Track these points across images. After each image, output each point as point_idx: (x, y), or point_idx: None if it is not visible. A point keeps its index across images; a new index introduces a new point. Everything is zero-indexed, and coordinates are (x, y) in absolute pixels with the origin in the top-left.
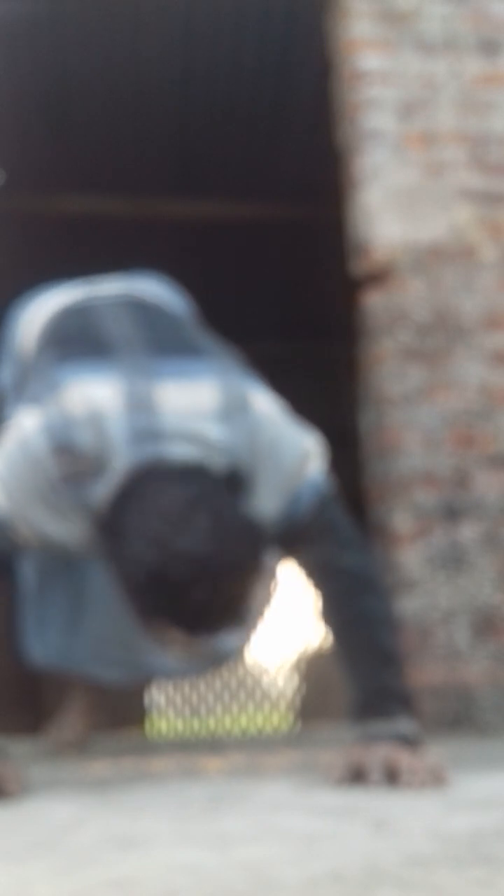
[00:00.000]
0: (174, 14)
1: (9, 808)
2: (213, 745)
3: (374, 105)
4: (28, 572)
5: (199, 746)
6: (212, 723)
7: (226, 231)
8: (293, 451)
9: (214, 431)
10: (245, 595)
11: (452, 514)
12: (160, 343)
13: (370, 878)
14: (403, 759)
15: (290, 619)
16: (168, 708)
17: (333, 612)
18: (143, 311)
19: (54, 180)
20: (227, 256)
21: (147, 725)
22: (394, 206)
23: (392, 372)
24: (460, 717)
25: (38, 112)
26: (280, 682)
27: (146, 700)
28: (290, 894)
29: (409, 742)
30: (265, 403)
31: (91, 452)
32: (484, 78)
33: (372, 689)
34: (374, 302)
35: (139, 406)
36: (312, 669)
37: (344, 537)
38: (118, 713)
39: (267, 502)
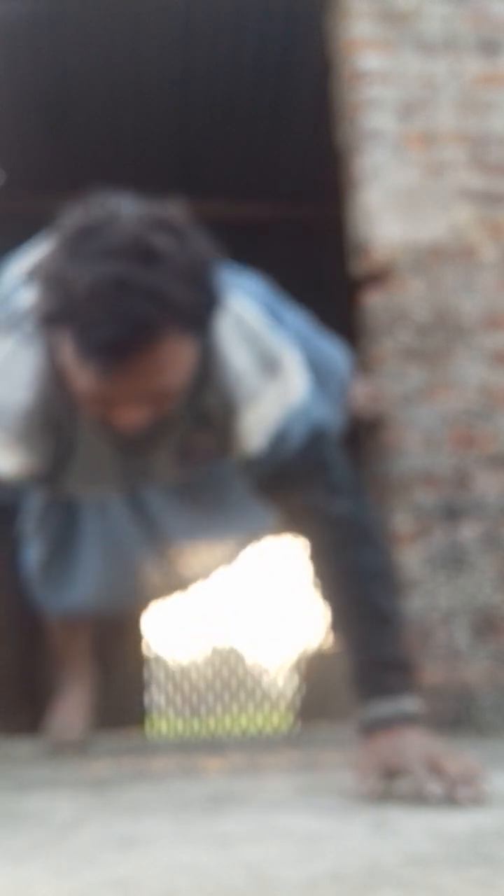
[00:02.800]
0: (174, 14)
1: (9, 808)
2: (213, 745)
3: (374, 105)
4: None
5: (199, 746)
6: (212, 723)
7: (225, 231)
8: (272, 358)
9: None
10: (153, 330)
11: (452, 514)
12: None
13: (370, 878)
14: (448, 760)
15: (289, 619)
16: (168, 708)
17: (322, 567)
18: None
19: (54, 180)
20: (226, 256)
21: (147, 725)
22: (394, 206)
23: (392, 372)
24: (460, 717)
25: (38, 112)
26: (280, 682)
27: (146, 700)
28: (290, 894)
29: (416, 721)
30: (243, 309)
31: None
32: (484, 78)
33: (369, 660)
34: (374, 302)
35: None
36: (312, 669)
37: (337, 480)
38: (118, 713)
39: (249, 429)
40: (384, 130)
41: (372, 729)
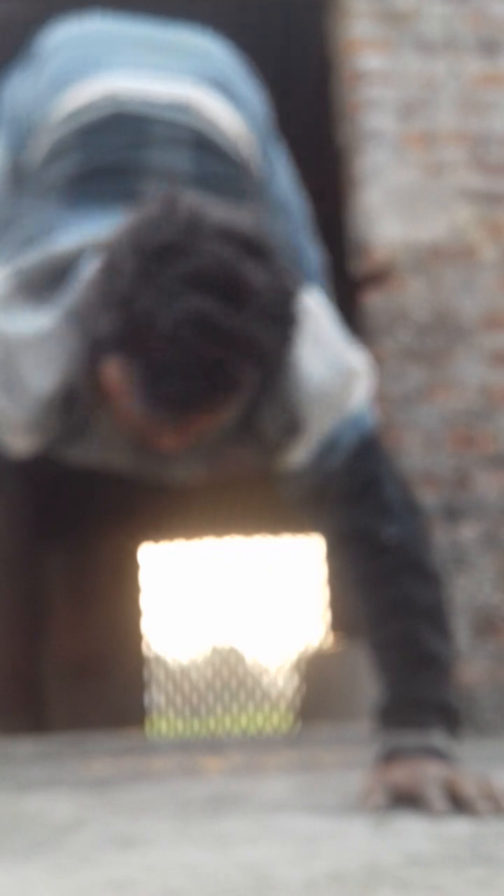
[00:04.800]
0: (174, 14)
1: (9, 808)
2: (213, 745)
3: (374, 105)
4: None
5: (199, 746)
6: (212, 723)
7: None
8: (338, 366)
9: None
10: (235, 385)
11: (452, 514)
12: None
13: (370, 878)
14: (467, 780)
15: (289, 619)
16: (168, 708)
17: (365, 597)
18: (207, 152)
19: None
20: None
21: (147, 725)
22: (394, 206)
23: (392, 372)
24: (460, 717)
25: None
26: (280, 682)
27: (146, 700)
28: (290, 894)
29: (444, 758)
30: (316, 304)
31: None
32: (484, 78)
33: (403, 695)
34: (374, 302)
35: None
36: (312, 669)
37: (388, 499)
38: (118, 713)
39: (299, 440)
40: (384, 130)
41: (391, 757)
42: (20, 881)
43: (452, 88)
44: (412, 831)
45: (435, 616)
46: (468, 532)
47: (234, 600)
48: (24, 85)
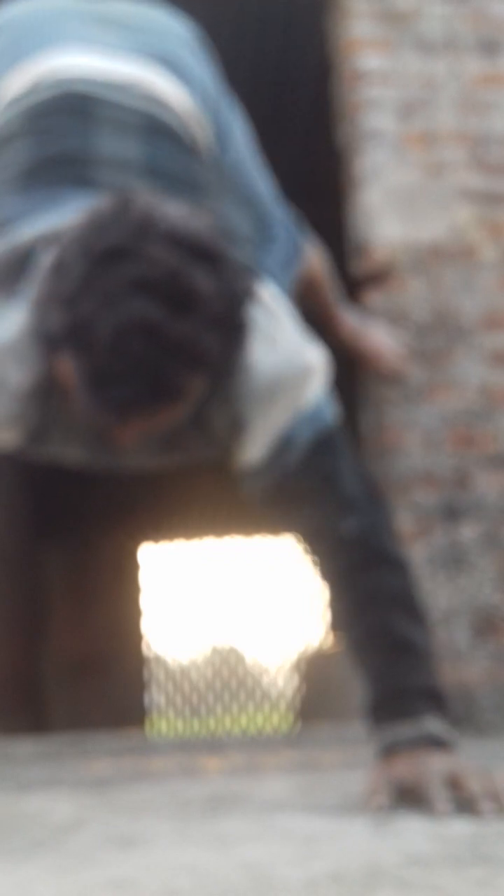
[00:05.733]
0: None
1: (9, 808)
2: (213, 745)
3: (374, 105)
4: None
5: (199, 746)
6: (212, 723)
7: None
8: (291, 362)
9: None
10: (177, 392)
11: (452, 514)
12: (165, 187)
13: (370, 878)
14: (471, 776)
15: (289, 619)
16: (168, 708)
17: (335, 592)
18: (157, 137)
19: None
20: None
21: (147, 725)
22: (394, 206)
23: None
24: (460, 717)
25: None
26: (280, 682)
27: (146, 700)
28: (290, 894)
29: (442, 744)
30: (271, 298)
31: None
32: (484, 78)
33: (388, 687)
34: (374, 302)
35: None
36: (312, 669)
37: (348, 494)
38: (118, 713)
39: (253, 437)
40: (384, 130)
41: (391, 752)
42: (20, 881)
43: (452, 88)
44: (412, 831)
45: (406, 603)
46: (468, 532)
47: (234, 600)
48: None
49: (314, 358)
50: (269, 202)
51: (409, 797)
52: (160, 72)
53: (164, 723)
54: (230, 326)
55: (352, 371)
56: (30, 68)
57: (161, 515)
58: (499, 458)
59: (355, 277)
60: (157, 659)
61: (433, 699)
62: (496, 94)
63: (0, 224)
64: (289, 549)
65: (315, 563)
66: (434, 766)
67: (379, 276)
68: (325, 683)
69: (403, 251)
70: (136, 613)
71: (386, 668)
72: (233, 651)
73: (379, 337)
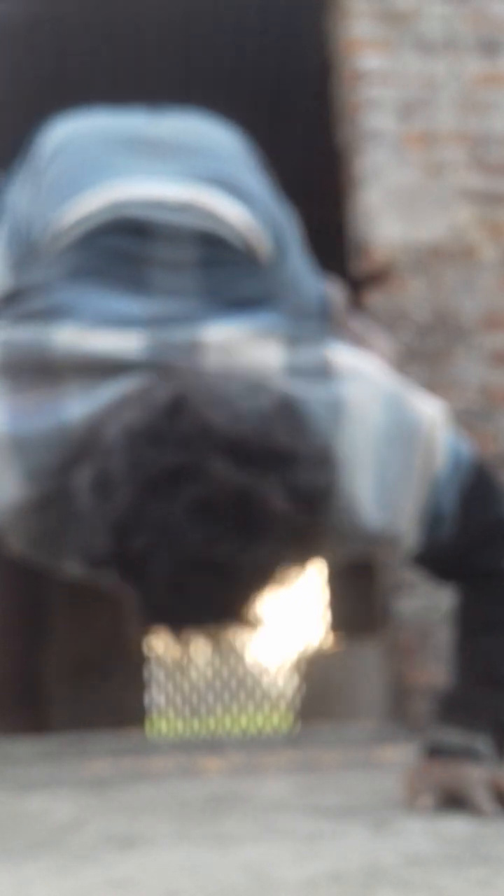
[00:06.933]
0: (174, 14)
1: (9, 808)
2: (213, 745)
3: (374, 105)
4: None
5: (199, 746)
6: (212, 723)
7: None
8: (412, 436)
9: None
10: (245, 615)
11: None
12: (223, 298)
13: (370, 878)
14: None
15: (289, 619)
16: (168, 708)
17: (466, 609)
18: (214, 248)
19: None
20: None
21: (147, 725)
22: (394, 206)
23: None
24: None
25: (38, 113)
26: (280, 682)
27: (146, 700)
28: (290, 894)
29: (484, 762)
30: (358, 364)
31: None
32: (484, 78)
33: (464, 697)
34: (374, 302)
35: (170, 351)
36: (312, 669)
37: None
38: (118, 713)
39: (401, 528)
40: (384, 130)
41: (435, 752)
42: (20, 881)
43: (452, 88)
44: (412, 831)
45: None
46: None
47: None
48: (24, 193)
49: (429, 416)
50: (318, 299)
51: (451, 800)
52: (216, 193)
53: (164, 723)
54: (309, 533)
55: None
56: (84, 200)
57: None
58: (499, 458)
59: (355, 277)
60: (158, 659)
61: (497, 730)
62: (496, 94)
63: (44, 313)
64: None
65: (455, 588)
66: (473, 772)
67: (379, 276)
68: (325, 683)
69: (403, 251)
70: None
71: (473, 685)
72: (233, 651)
73: (378, 347)
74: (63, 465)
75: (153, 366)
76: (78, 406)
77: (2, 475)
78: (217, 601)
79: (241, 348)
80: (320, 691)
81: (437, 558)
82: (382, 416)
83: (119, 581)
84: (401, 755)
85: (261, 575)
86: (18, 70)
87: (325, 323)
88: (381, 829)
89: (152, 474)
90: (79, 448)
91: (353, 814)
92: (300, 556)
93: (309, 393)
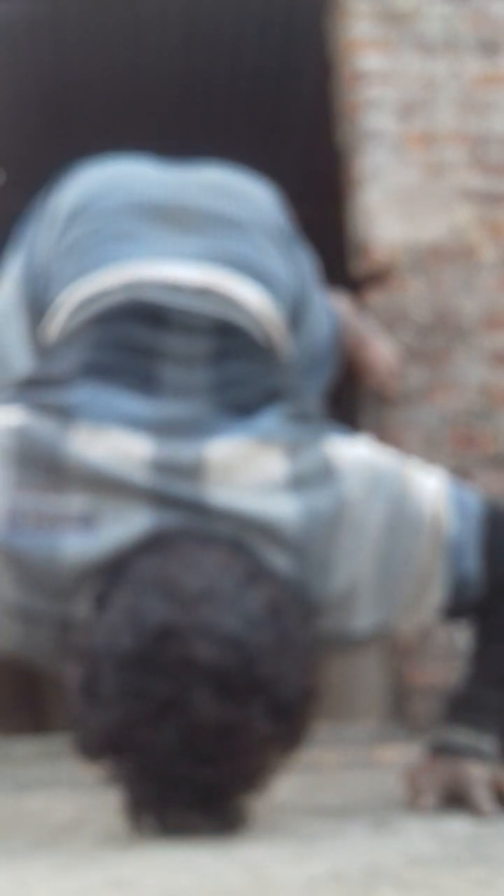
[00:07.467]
0: (174, 14)
1: (9, 808)
2: None
3: (374, 105)
4: None
5: None
6: None
7: None
8: (422, 519)
9: (286, 512)
10: (256, 770)
11: None
12: (230, 400)
13: (370, 878)
14: None
15: None
16: None
17: (485, 620)
18: (224, 337)
19: (54, 180)
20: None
21: None
22: (394, 206)
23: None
24: None
25: (39, 112)
26: None
27: None
28: (290, 894)
29: (488, 761)
30: (357, 454)
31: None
32: (484, 78)
33: (473, 698)
34: (374, 302)
35: (175, 469)
36: None
37: None
38: None
39: (426, 608)
40: (384, 130)
41: (440, 750)
42: (20, 881)
43: (452, 88)
44: (412, 831)
45: None
46: None
47: None
48: (42, 238)
49: (431, 493)
50: (330, 329)
51: (452, 799)
52: (235, 275)
53: None
54: (295, 739)
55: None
56: (100, 278)
57: None
58: (499, 458)
59: (355, 277)
60: None
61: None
62: (496, 94)
63: (62, 410)
64: None
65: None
66: (475, 772)
67: (379, 276)
68: (325, 683)
69: (403, 251)
70: None
71: (483, 686)
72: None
73: (378, 349)
74: (57, 594)
75: (156, 497)
76: (73, 541)
77: None
78: (202, 809)
79: (245, 463)
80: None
81: (469, 610)
82: (384, 510)
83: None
84: (401, 755)
85: (247, 782)
86: (18, 70)
87: (333, 356)
88: (381, 829)
89: (142, 703)
90: (71, 610)
91: (353, 814)
92: (287, 752)
93: (312, 502)
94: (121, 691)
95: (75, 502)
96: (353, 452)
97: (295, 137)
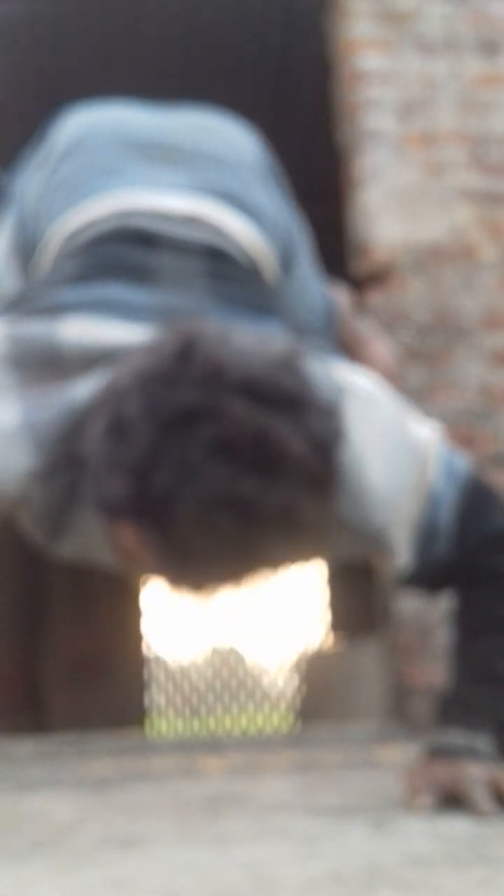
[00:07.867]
0: (174, 14)
1: (9, 808)
2: (213, 745)
3: (374, 105)
4: None
5: (199, 746)
6: (212, 723)
7: None
8: (405, 454)
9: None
10: (272, 562)
11: None
12: (227, 309)
13: (370, 878)
14: None
15: (289, 619)
16: (168, 708)
17: (465, 611)
18: (218, 262)
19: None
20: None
21: (147, 725)
22: (394, 206)
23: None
24: None
25: (39, 111)
26: (280, 682)
27: (146, 700)
28: (290, 894)
29: (486, 761)
30: (359, 380)
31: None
32: (484, 78)
33: (463, 697)
34: (375, 302)
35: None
36: (312, 669)
37: None
38: (118, 713)
39: (394, 543)
40: (384, 130)
41: (437, 752)
42: (20, 881)
43: (452, 88)
44: (412, 831)
45: None
46: None
47: (234, 601)
48: (33, 183)
49: (426, 437)
50: (323, 307)
51: (450, 799)
52: (223, 207)
53: (164, 723)
54: (325, 482)
55: None
56: (91, 206)
57: None
58: (499, 458)
59: (355, 277)
60: (157, 659)
61: (498, 728)
62: (496, 94)
63: (51, 309)
64: None
65: (460, 592)
66: (473, 771)
67: (379, 276)
68: (325, 683)
69: (403, 251)
70: (136, 613)
71: (472, 684)
72: (233, 651)
73: (377, 351)
74: (72, 428)
75: None
76: (86, 387)
77: (14, 455)
78: (241, 542)
79: None
80: (320, 691)
81: (432, 574)
82: (382, 439)
83: (137, 530)
84: (401, 755)
85: (283, 520)
86: (18, 70)
87: (328, 338)
88: (381, 829)
89: (169, 415)
90: (89, 407)
91: (353, 814)
92: (316, 509)
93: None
94: (147, 409)
95: (82, 385)
96: (357, 379)
97: (295, 137)
